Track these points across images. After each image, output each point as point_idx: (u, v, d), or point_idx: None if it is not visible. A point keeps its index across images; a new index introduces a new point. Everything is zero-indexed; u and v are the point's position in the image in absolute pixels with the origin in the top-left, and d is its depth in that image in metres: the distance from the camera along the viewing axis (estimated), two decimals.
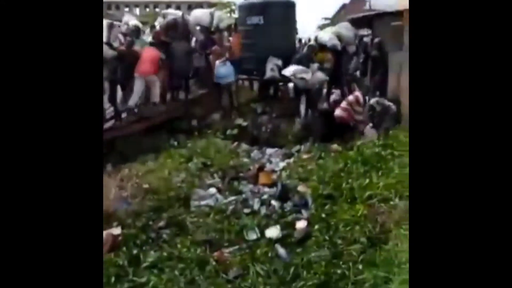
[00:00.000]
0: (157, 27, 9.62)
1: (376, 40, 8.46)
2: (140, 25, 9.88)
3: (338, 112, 6.75)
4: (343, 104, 6.83)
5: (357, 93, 6.93)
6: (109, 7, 49.28)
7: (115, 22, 8.65)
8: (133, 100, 7.72)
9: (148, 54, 7.83)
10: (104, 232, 4.06)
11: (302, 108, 8.13)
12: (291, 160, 6.64)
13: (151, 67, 7.78)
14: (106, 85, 7.45)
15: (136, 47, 8.01)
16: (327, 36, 8.71)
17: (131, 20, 10.22)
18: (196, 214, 4.66)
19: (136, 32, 9.42)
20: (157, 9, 42.07)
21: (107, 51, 7.11)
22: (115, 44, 8.00)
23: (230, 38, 10.28)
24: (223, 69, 8.67)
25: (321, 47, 8.66)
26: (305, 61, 7.98)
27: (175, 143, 7.15)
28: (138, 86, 7.69)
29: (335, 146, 6.46)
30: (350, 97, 6.89)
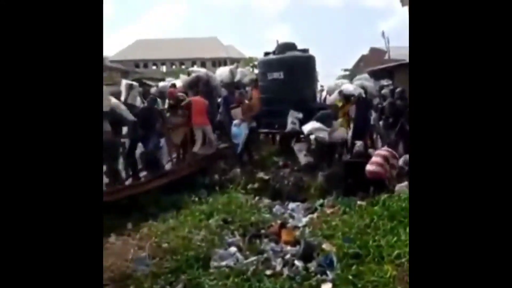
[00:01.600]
0: (177, 85, 9.97)
1: (399, 89, 8.44)
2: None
3: (372, 167, 6.33)
4: (378, 159, 6.40)
5: (389, 149, 6.70)
6: (137, 65, 51.85)
7: (134, 83, 9.00)
8: (196, 147, 8.75)
9: (199, 105, 8.68)
10: None
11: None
12: (315, 215, 6.42)
13: (204, 117, 8.71)
14: (127, 143, 7.69)
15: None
16: (352, 87, 8.73)
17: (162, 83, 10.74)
18: (215, 276, 4.47)
19: (161, 94, 9.84)
20: (183, 66, 43.83)
21: (127, 113, 7.45)
22: (137, 104, 8.30)
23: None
24: (235, 129, 8.95)
25: (346, 98, 8.65)
26: (328, 120, 8.00)
27: (196, 199, 7.07)
28: (199, 135, 8.77)
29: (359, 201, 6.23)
30: (384, 152, 6.53)
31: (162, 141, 8.80)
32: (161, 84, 11.50)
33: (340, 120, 8.33)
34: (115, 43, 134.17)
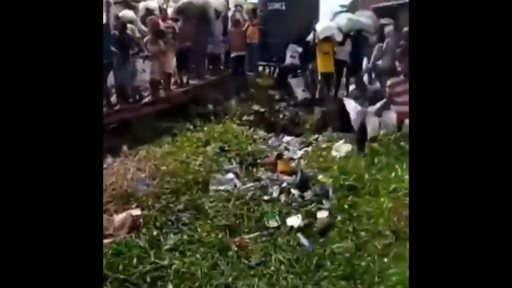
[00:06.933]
0: (155, 13, 9.18)
1: (405, 29, 8.17)
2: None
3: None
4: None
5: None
6: None
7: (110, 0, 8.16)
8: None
9: None
10: (124, 213, 4.01)
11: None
12: (309, 148, 6.49)
13: None
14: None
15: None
16: (324, 26, 8.27)
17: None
18: (215, 199, 4.58)
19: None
20: None
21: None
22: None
23: (248, 23, 10.05)
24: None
25: (325, 38, 8.20)
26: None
27: (191, 126, 7.03)
28: None
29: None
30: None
31: (146, 67, 8.23)
32: (141, 5, 10.43)
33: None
34: None
